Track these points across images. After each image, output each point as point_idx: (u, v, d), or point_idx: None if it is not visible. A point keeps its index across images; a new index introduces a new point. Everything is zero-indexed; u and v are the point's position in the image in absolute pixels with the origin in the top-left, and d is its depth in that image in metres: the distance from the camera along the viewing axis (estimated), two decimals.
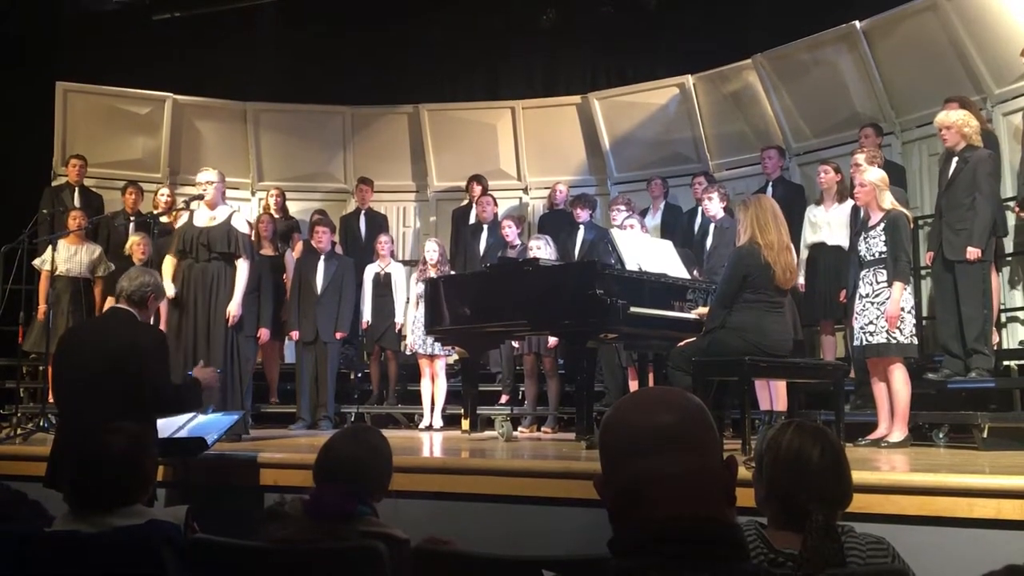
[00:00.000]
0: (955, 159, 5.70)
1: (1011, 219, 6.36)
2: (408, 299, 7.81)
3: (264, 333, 7.30)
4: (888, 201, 5.27)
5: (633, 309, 5.24)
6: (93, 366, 3.98)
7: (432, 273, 7.24)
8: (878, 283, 5.17)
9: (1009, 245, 6.44)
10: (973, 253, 5.50)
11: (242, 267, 5.86)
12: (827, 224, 6.59)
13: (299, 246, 8.35)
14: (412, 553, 2.26)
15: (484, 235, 8.26)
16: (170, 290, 5.87)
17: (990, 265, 5.74)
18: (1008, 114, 6.82)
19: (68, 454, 3.93)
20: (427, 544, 2.32)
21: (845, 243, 6.32)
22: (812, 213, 6.77)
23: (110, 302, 7.54)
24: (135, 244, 7.60)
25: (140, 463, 2.67)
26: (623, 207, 7.29)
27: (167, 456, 4.31)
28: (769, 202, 4.99)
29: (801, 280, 6.68)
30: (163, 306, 6.66)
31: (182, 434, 4.51)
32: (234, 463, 4.67)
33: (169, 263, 5.92)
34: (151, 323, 4.35)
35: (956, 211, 5.63)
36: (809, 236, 6.72)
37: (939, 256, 5.75)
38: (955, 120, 5.68)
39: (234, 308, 5.76)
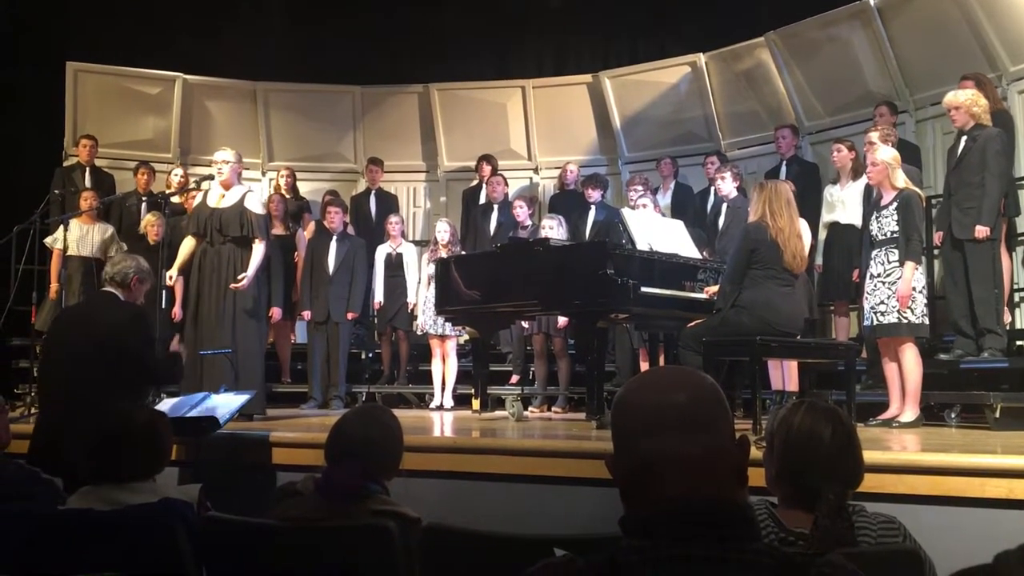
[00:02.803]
0: (964, 138, 5.66)
1: None
2: (419, 279, 7.81)
3: (276, 312, 7.32)
4: (900, 180, 5.22)
5: (644, 289, 5.23)
6: (77, 349, 4.11)
7: (443, 253, 7.25)
8: (889, 263, 5.13)
9: (1023, 225, 6.38)
10: (982, 232, 5.47)
11: (258, 249, 5.87)
12: (841, 202, 6.56)
13: (311, 226, 8.36)
14: (423, 532, 2.27)
15: (494, 215, 8.25)
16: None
17: (999, 244, 5.70)
18: (1023, 92, 6.75)
19: (51, 434, 4.03)
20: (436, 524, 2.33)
21: (859, 221, 6.29)
22: (829, 192, 6.74)
23: None
24: (149, 224, 7.64)
25: (160, 437, 2.75)
26: (640, 187, 7.25)
27: (180, 435, 4.34)
28: (785, 189, 4.97)
29: (819, 260, 6.65)
30: (178, 288, 6.74)
31: (195, 413, 4.56)
32: (246, 442, 4.69)
33: (188, 243, 5.96)
34: (136, 303, 4.43)
35: (965, 190, 5.60)
36: (825, 215, 6.69)
37: (948, 236, 5.72)
38: (963, 100, 5.63)
39: (245, 282, 5.76)
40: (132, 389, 4.07)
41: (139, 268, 4.36)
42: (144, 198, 8.27)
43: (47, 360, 4.54)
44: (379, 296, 7.91)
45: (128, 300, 4.30)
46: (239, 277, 5.73)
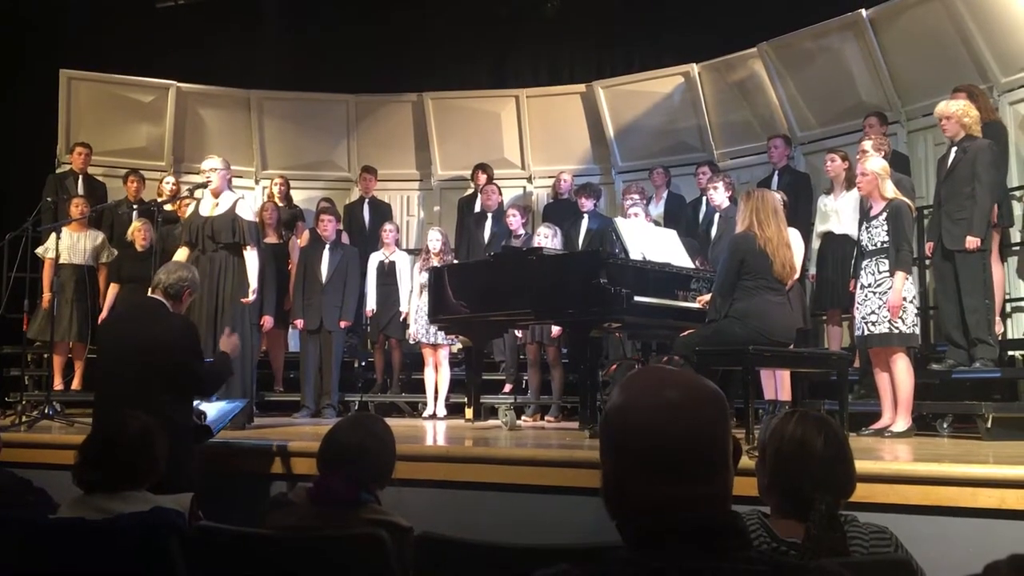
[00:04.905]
0: (954, 149, 5.69)
1: (1017, 208, 6.34)
2: (412, 288, 7.80)
3: (268, 321, 7.31)
4: (890, 190, 5.24)
5: (637, 298, 5.23)
6: (126, 358, 4.04)
7: (435, 262, 7.24)
8: (880, 273, 5.15)
9: (1016, 235, 6.42)
10: (972, 242, 5.49)
11: (251, 256, 5.88)
12: (835, 212, 6.57)
13: (304, 234, 8.35)
14: (415, 541, 2.27)
15: (488, 224, 8.26)
16: None
17: (990, 254, 5.72)
18: (1015, 103, 6.77)
19: None
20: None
21: (852, 231, 6.31)
22: (823, 202, 6.76)
23: (113, 289, 7.62)
24: (136, 230, 7.64)
25: (154, 445, 2.74)
26: (637, 196, 7.26)
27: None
28: (772, 198, 4.96)
29: (812, 271, 6.66)
30: None
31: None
32: (239, 451, 4.68)
33: (182, 254, 5.95)
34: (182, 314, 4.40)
35: (955, 200, 5.62)
36: (819, 225, 6.71)
37: (939, 246, 5.74)
38: (955, 110, 5.66)
39: (253, 295, 5.80)
40: (179, 400, 4.00)
41: (193, 281, 4.28)
42: (135, 206, 8.26)
43: (97, 371, 4.49)
44: (372, 304, 7.90)
45: (175, 311, 4.25)
46: (248, 296, 5.77)
